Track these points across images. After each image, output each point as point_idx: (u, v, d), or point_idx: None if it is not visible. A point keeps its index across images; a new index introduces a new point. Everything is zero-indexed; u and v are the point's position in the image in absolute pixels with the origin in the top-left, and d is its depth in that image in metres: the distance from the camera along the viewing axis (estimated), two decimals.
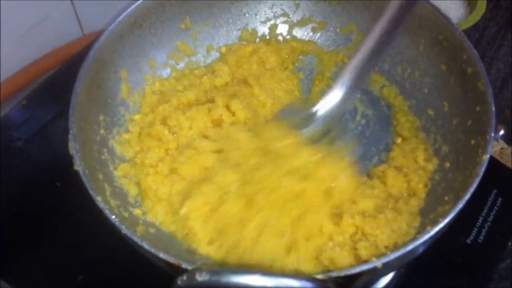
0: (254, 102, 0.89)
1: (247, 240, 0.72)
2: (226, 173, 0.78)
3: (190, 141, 0.83)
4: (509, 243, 0.89)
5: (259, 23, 1.00)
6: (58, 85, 1.02)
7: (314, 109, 0.81)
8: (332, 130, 0.83)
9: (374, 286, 0.81)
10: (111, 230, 0.66)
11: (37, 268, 0.84)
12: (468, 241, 0.86)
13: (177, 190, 0.79)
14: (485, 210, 0.89)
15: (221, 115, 0.85)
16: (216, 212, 0.75)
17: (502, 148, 1.07)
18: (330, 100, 0.81)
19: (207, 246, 0.73)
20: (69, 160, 0.71)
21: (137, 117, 0.88)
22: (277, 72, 0.95)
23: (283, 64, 0.97)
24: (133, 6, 0.86)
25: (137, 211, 0.78)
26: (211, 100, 0.88)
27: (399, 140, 0.87)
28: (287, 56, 0.97)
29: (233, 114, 0.86)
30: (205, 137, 0.84)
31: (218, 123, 0.86)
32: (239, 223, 0.73)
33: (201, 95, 0.90)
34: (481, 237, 0.86)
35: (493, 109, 0.72)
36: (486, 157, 0.69)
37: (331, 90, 0.80)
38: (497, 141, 1.08)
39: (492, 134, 0.71)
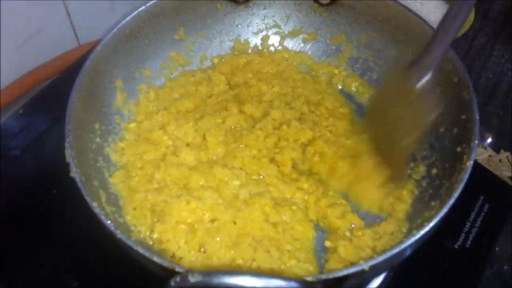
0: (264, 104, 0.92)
1: (240, 261, 0.74)
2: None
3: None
4: (496, 248, 0.91)
5: (251, 34, 1.02)
6: (54, 94, 1.03)
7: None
8: None
9: None
10: (107, 236, 0.68)
11: (33, 275, 0.85)
12: (456, 246, 0.87)
13: (153, 201, 0.80)
14: (473, 216, 0.90)
15: (238, 122, 0.88)
16: (196, 232, 0.76)
17: (490, 156, 1.08)
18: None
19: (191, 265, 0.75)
20: (65, 167, 0.72)
21: (132, 125, 0.90)
22: (277, 76, 0.97)
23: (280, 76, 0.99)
24: (128, 18, 0.88)
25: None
26: (215, 109, 0.91)
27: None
28: (283, 70, 0.99)
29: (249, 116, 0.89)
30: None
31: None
32: (227, 245, 0.75)
33: (199, 103, 0.92)
34: (469, 243, 0.87)
35: (477, 117, 0.75)
36: (470, 164, 0.71)
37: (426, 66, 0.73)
38: (485, 148, 1.09)
39: (476, 142, 0.73)
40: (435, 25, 0.85)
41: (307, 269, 0.75)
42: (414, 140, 0.76)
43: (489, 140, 1.11)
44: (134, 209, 0.79)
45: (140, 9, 0.89)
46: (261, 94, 0.93)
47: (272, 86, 0.94)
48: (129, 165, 0.84)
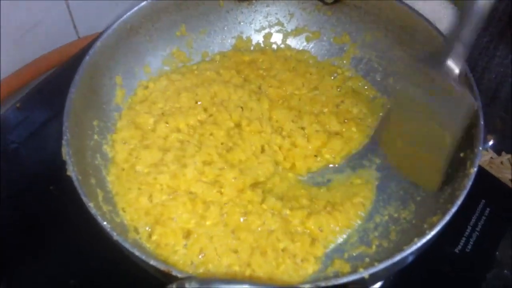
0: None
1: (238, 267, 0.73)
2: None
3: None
4: (497, 253, 0.90)
5: (253, 31, 1.01)
6: (53, 88, 1.02)
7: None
8: None
9: None
10: (104, 235, 0.67)
11: (29, 272, 0.84)
12: (456, 250, 0.86)
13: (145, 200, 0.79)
14: (473, 220, 0.89)
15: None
16: (195, 238, 0.75)
17: (491, 158, 1.08)
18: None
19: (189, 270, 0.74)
20: (62, 164, 0.72)
21: (124, 112, 0.89)
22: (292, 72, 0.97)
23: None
24: (129, 13, 0.87)
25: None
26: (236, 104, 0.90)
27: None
28: (293, 66, 0.98)
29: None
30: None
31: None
32: (225, 251, 0.74)
33: (207, 96, 0.91)
34: (469, 247, 0.87)
35: (482, 123, 0.74)
36: (473, 170, 0.70)
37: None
38: (487, 150, 1.09)
39: (481, 148, 0.72)
40: (438, 24, 0.85)
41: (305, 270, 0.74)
42: (453, 142, 0.73)
43: (491, 142, 1.10)
44: (128, 207, 0.79)
45: (142, 4, 0.88)
46: (287, 95, 0.93)
47: (297, 87, 0.94)
48: (118, 157, 0.84)
